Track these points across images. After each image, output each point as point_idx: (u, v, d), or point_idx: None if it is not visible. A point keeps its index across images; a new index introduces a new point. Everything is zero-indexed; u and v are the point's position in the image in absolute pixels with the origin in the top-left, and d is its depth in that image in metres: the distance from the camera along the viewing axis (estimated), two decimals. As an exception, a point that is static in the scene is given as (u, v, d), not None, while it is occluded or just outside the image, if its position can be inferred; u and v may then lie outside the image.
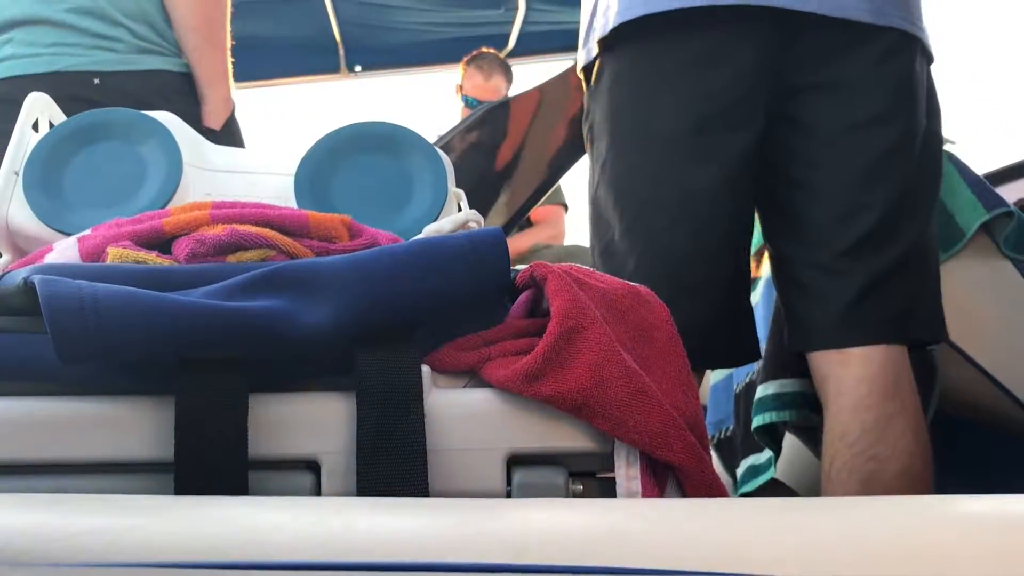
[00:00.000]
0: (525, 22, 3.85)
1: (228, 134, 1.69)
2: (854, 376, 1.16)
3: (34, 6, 1.58)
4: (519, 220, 2.36)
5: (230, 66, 1.71)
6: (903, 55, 1.20)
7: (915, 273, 1.21)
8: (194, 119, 1.60)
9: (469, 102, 3.33)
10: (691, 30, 1.18)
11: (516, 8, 3.85)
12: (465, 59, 3.47)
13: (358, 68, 4.10)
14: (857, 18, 1.18)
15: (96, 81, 1.56)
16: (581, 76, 1.34)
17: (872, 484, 1.14)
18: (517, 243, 3.06)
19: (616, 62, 1.24)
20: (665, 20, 1.18)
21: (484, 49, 3.48)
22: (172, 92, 1.61)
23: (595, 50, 1.27)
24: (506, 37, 3.93)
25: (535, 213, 3.02)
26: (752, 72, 1.18)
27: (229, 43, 1.71)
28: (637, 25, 1.20)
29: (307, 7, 3.93)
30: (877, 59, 1.19)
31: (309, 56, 4.02)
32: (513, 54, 3.85)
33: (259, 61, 3.76)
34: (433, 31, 3.98)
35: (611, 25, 1.22)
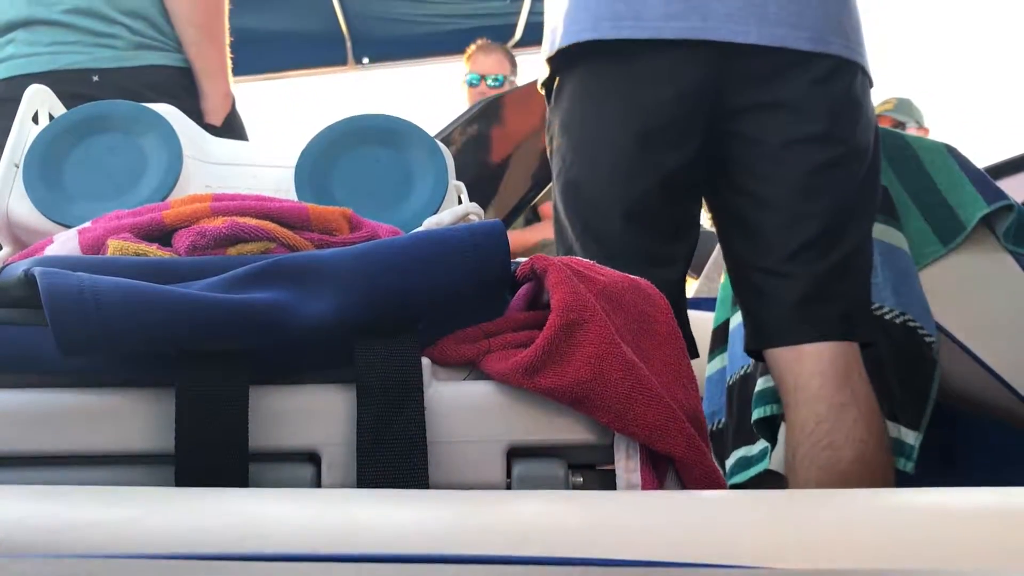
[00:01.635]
0: (531, 12, 3.85)
1: (229, 129, 1.69)
2: (807, 371, 1.24)
3: (32, 8, 1.60)
4: (520, 213, 2.36)
5: (229, 61, 1.71)
6: (842, 78, 1.28)
7: (854, 278, 1.29)
8: (194, 114, 1.60)
9: (472, 81, 3.32)
10: (638, 54, 1.27)
11: None
12: (465, 55, 3.47)
13: (366, 60, 4.10)
14: (796, 47, 1.26)
15: (95, 78, 1.57)
16: (542, 92, 1.43)
17: (829, 471, 1.21)
18: (525, 238, 3.06)
19: (569, 79, 1.33)
20: (610, 43, 1.27)
21: (478, 40, 3.48)
22: (171, 87, 1.61)
23: (547, 68, 1.37)
24: (512, 27, 3.93)
25: (543, 208, 3.02)
26: (694, 93, 1.27)
27: (228, 38, 1.71)
28: (586, 47, 1.29)
29: (315, 0, 3.94)
30: (816, 81, 1.27)
31: (317, 48, 4.03)
32: (520, 44, 3.86)
33: (267, 54, 3.77)
34: (440, 22, 3.99)
35: (557, 46, 1.31)
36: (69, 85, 1.48)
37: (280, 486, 0.62)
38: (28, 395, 0.64)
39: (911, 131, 3.40)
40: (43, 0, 1.59)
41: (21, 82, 1.40)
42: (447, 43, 3.87)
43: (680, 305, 1.33)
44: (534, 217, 3.16)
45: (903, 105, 3.66)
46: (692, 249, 1.36)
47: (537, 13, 3.82)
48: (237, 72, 1.77)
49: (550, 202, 3.07)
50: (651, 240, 1.29)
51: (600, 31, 1.26)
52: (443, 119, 2.29)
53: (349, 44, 4.06)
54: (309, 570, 0.40)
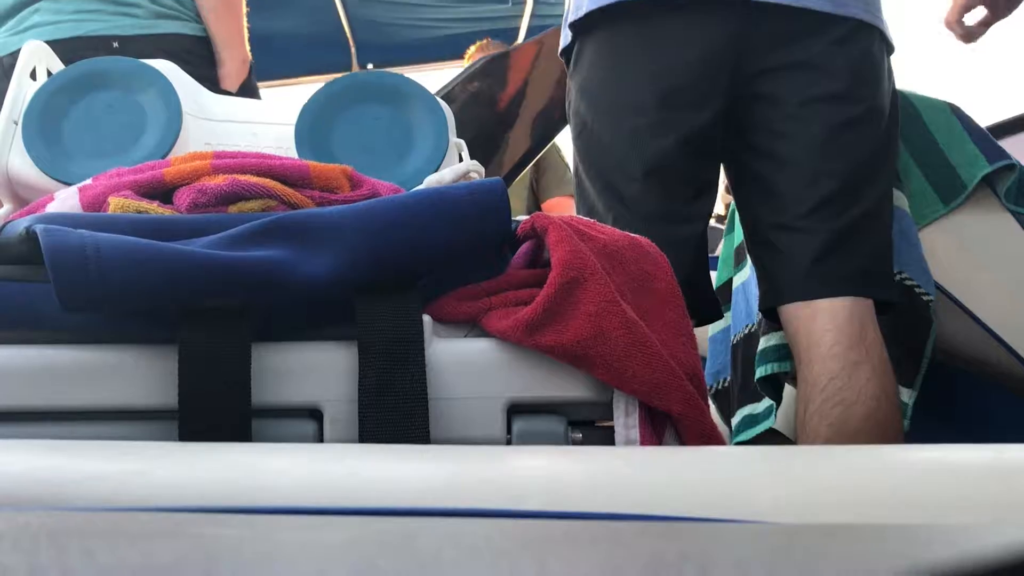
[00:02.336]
0: (534, 15, 3.84)
1: (245, 96, 1.70)
2: (821, 328, 1.24)
3: None
4: (521, 170, 2.35)
5: (246, 29, 1.74)
6: (861, 41, 1.29)
7: (873, 235, 1.30)
8: (212, 82, 1.63)
9: None
10: (660, 15, 1.27)
11: (525, 2, 3.84)
12: (466, 56, 3.45)
13: (370, 65, 4.09)
14: (818, 8, 1.26)
15: (115, 45, 1.60)
16: (562, 59, 1.43)
17: (840, 428, 1.21)
18: None
19: (590, 43, 1.34)
20: (635, 5, 1.27)
21: (478, 42, 3.47)
22: (189, 55, 1.64)
23: (570, 34, 1.37)
24: (515, 31, 3.92)
25: (547, 204, 3.02)
26: (716, 54, 1.27)
27: (245, 8, 1.74)
28: (609, 11, 1.29)
29: (317, 6, 3.92)
30: (836, 42, 1.28)
31: (321, 54, 4.02)
32: None
33: (271, 61, 3.75)
34: (444, 27, 3.96)
35: (584, 10, 1.31)
36: (90, 52, 1.50)
37: (283, 441, 0.62)
38: (31, 351, 0.64)
39: None
40: None
41: None
42: (451, 47, 3.85)
43: (701, 261, 1.34)
44: (536, 209, 3.15)
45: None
46: (711, 207, 1.37)
47: (540, 16, 3.82)
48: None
49: (555, 198, 3.05)
50: (672, 198, 1.30)
51: None
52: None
53: (353, 49, 4.06)
54: (311, 523, 0.40)
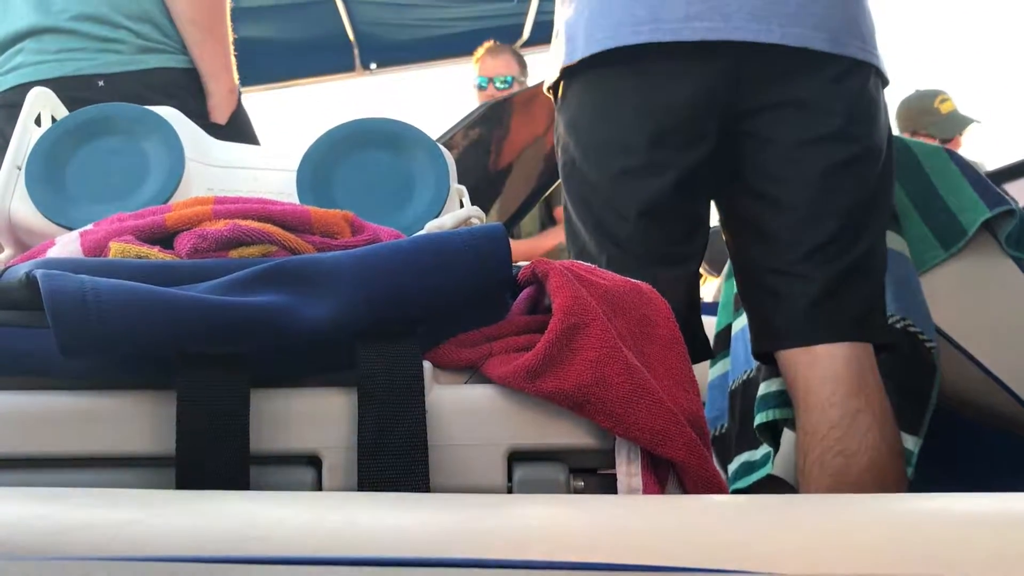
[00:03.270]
0: (539, 12, 3.85)
1: (235, 126, 1.69)
2: (820, 375, 1.22)
3: (39, 17, 1.62)
4: (522, 217, 2.36)
5: (233, 59, 1.72)
6: (857, 78, 1.28)
7: (870, 278, 1.28)
8: (200, 114, 1.61)
9: (481, 84, 3.32)
10: (650, 56, 1.26)
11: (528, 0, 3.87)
12: (474, 58, 3.47)
13: (373, 65, 4.11)
14: (816, 47, 1.25)
15: (100, 83, 1.59)
16: (549, 95, 1.42)
17: (841, 478, 1.19)
18: (540, 243, 3.04)
19: (579, 80, 1.32)
20: (629, 49, 1.26)
21: (487, 43, 3.48)
22: (176, 88, 1.63)
23: (557, 74, 1.35)
24: (520, 28, 3.93)
25: (559, 212, 3.02)
26: (708, 92, 1.25)
27: (231, 36, 1.73)
28: (602, 56, 1.28)
29: (320, 8, 3.95)
30: (832, 81, 1.26)
31: (324, 56, 4.05)
32: (528, 43, 3.86)
33: (274, 63, 3.79)
34: (447, 25, 3.99)
35: (578, 56, 1.30)
36: (75, 91, 1.49)
37: (281, 489, 0.62)
38: (29, 397, 0.63)
39: None
40: (50, 9, 1.62)
41: (29, 89, 1.42)
42: (455, 45, 3.88)
43: (693, 301, 1.33)
44: (549, 221, 3.15)
45: None
46: (704, 246, 1.35)
47: (545, 12, 3.82)
48: (245, 83, 1.79)
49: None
50: (665, 238, 1.28)
51: (620, 38, 1.25)
52: (453, 122, 2.28)
53: (356, 50, 4.08)
54: (310, 573, 0.40)
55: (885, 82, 1.33)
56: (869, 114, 1.28)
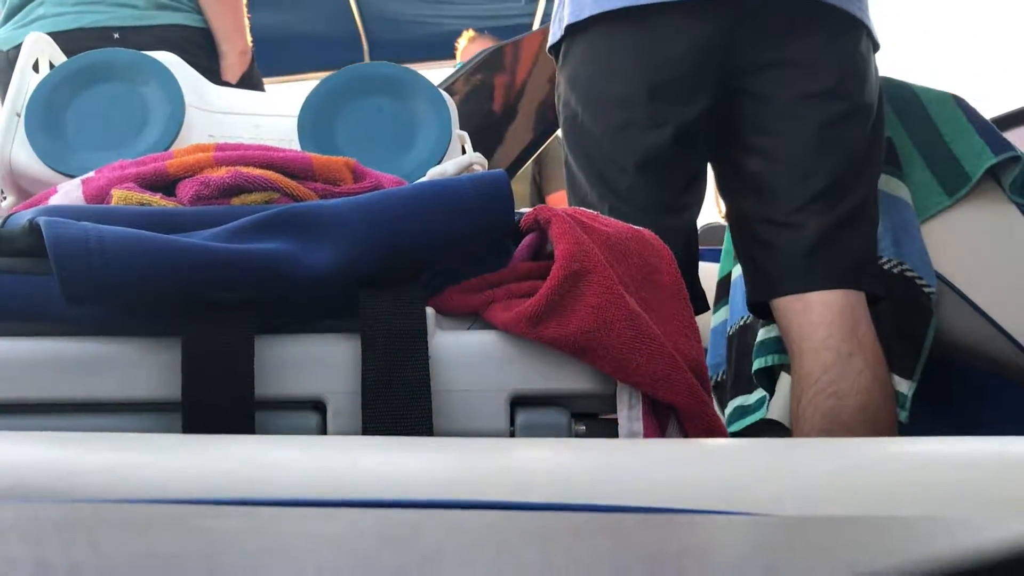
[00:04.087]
0: (547, 12, 3.82)
1: (247, 87, 1.71)
2: (813, 321, 1.25)
3: None
4: (523, 163, 2.35)
5: (246, 21, 1.75)
6: (850, 37, 1.30)
7: (863, 228, 1.31)
8: (214, 73, 1.65)
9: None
10: (655, 14, 1.27)
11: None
12: (457, 48, 3.46)
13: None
14: None
15: (116, 36, 1.62)
16: (551, 55, 1.43)
17: (833, 419, 1.22)
18: None
19: (581, 38, 1.34)
20: (634, 9, 1.27)
21: (466, 32, 3.47)
22: (190, 45, 1.65)
23: (561, 33, 1.37)
24: (528, 28, 3.90)
25: (551, 197, 3.02)
26: (706, 48, 1.27)
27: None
28: (608, 14, 1.29)
29: (331, 2, 3.92)
30: (826, 39, 1.28)
31: (333, 50, 4.02)
32: None
33: (283, 56, 3.76)
34: (456, 24, 3.96)
35: (586, 14, 1.31)
36: (92, 42, 1.51)
37: (286, 433, 0.62)
38: (34, 343, 0.64)
39: None
40: None
41: None
42: None
43: (692, 252, 1.34)
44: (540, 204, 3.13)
45: None
46: (702, 197, 1.38)
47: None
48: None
49: (557, 192, 3.04)
50: (664, 189, 1.30)
51: None
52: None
53: (366, 46, 4.07)
54: (314, 515, 0.40)
55: (876, 46, 1.35)
56: (861, 73, 1.30)
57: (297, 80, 4.10)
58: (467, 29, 3.53)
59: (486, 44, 3.32)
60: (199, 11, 1.69)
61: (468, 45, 3.36)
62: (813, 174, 1.27)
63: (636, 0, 1.27)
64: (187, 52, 1.54)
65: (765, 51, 1.28)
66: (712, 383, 1.68)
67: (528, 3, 3.91)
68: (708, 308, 1.43)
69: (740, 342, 1.56)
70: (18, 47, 1.60)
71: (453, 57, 3.93)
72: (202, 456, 0.51)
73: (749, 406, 1.53)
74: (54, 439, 0.53)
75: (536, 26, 3.89)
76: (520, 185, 2.99)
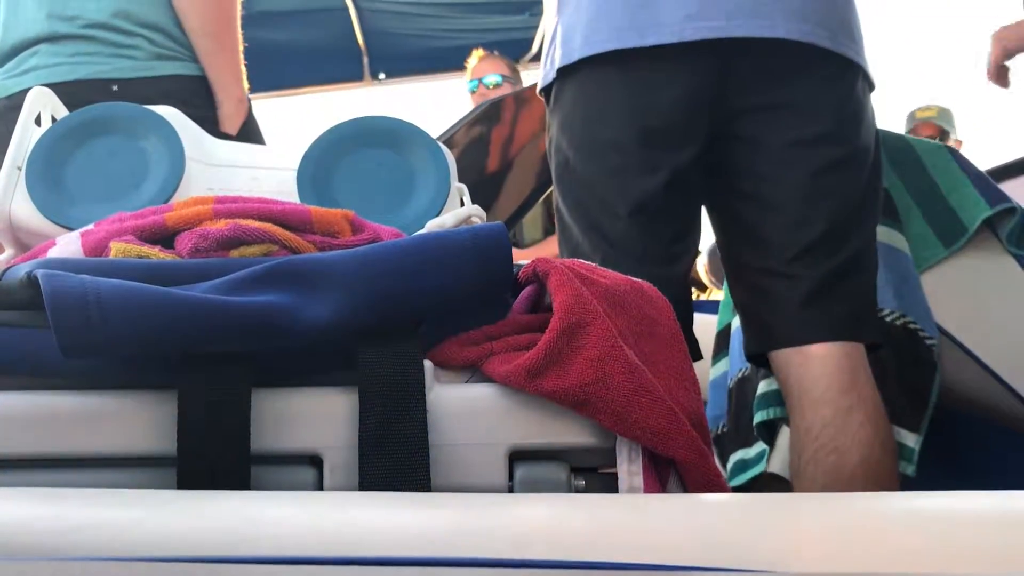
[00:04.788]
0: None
1: (246, 137, 1.71)
2: (812, 374, 1.23)
3: (54, 25, 1.64)
4: (522, 216, 2.36)
5: (243, 69, 1.75)
6: (847, 80, 1.28)
7: (861, 277, 1.29)
8: (212, 122, 1.64)
9: (472, 87, 3.34)
10: (645, 57, 1.26)
11: (540, 13, 3.88)
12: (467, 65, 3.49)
13: (382, 75, 4.13)
14: (818, 43, 1.25)
15: (115, 88, 1.60)
16: (542, 97, 1.42)
17: (835, 475, 1.20)
18: (545, 250, 3.04)
19: (571, 82, 1.33)
20: (625, 52, 1.26)
21: (476, 51, 3.50)
22: (191, 96, 1.64)
23: (553, 75, 1.36)
24: (529, 42, 3.94)
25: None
26: (697, 93, 1.26)
27: (241, 46, 1.75)
28: (598, 57, 1.28)
29: (331, 16, 3.97)
30: (822, 82, 1.27)
31: (333, 64, 4.07)
32: (536, 58, 3.87)
33: (284, 70, 3.80)
34: (457, 37, 4.00)
35: (575, 56, 1.30)
36: (89, 94, 1.51)
37: (282, 488, 0.62)
38: (30, 397, 0.64)
39: (951, 143, 3.41)
40: (64, 16, 1.64)
41: None
42: (463, 58, 3.89)
43: (685, 301, 1.33)
44: (552, 228, 3.15)
45: (945, 114, 3.65)
46: (696, 246, 1.36)
47: None
48: (255, 89, 1.81)
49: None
50: (657, 238, 1.29)
51: (624, 40, 1.26)
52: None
53: (366, 60, 4.10)
54: (311, 573, 0.40)
55: (871, 86, 1.34)
56: (857, 116, 1.29)
57: (296, 94, 4.13)
58: (476, 48, 3.55)
59: (496, 63, 3.35)
60: (197, 60, 1.68)
61: (478, 64, 3.37)
62: (808, 222, 1.25)
63: (625, 43, 1.26)
64: (188, 104, 1.54)
65: (757, 95, 1.26)
66: (712, 435, 1.67)
67: (530, 16, 3.93)
68: (700, 357, 1.42)
69: (740, 394, 1.56)
70: (10, 97, 1.61)
71: (454, 70, 3.96)
72: (196, 513, 0.50)
73: (749, 459, 1.52)
74: (45, 495, 0.52)
75: (537, 40, 3.92)
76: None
